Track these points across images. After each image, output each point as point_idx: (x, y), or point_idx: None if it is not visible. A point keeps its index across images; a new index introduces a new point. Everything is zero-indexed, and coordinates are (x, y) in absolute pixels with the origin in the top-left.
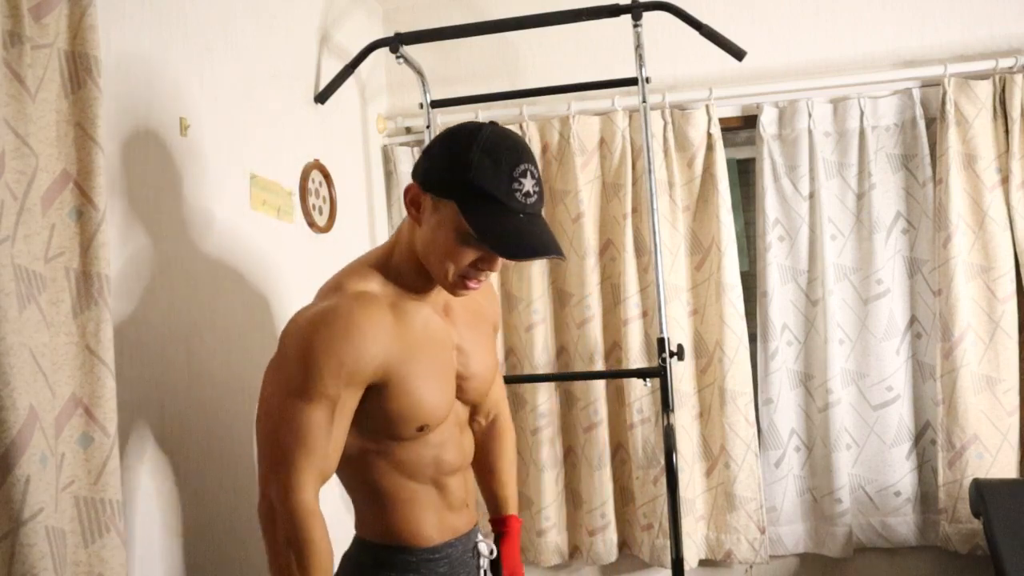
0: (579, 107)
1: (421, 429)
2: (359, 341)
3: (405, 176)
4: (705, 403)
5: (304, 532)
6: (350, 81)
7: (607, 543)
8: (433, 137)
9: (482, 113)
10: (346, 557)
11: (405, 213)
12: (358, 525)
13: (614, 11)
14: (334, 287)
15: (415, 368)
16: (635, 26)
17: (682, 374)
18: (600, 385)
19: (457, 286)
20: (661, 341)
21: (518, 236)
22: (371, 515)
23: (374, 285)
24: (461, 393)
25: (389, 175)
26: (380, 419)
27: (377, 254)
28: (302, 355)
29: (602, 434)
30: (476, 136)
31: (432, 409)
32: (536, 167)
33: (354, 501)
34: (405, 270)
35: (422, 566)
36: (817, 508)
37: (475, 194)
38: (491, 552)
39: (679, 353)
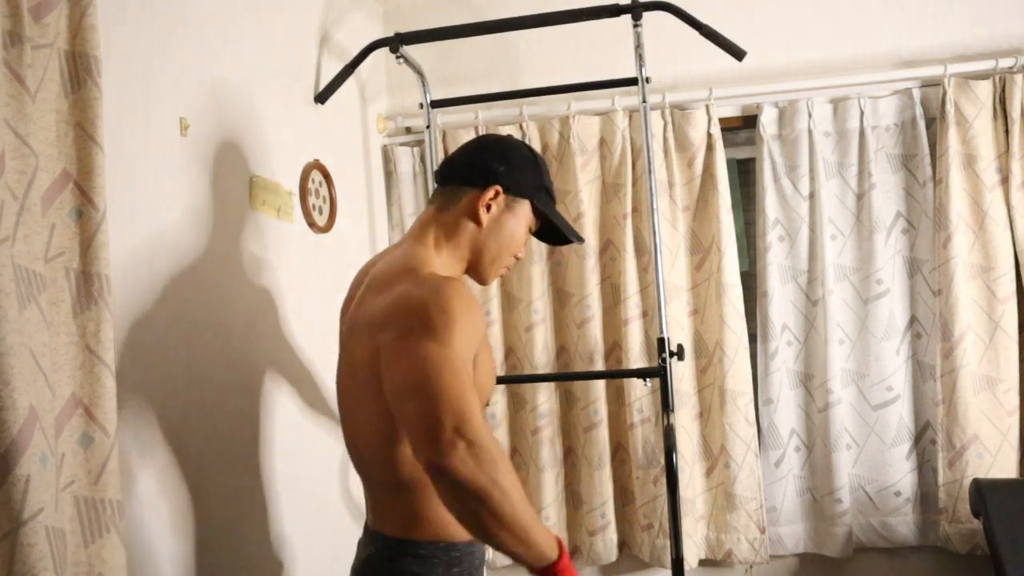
0: (579, 107)
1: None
2: (479, 318)
3: (405, 176)
4: (705, 403)
5: (509, 464)
6: (350, 81)
7: (607, 543)
8: (481, 145)
9: (482, 113)
10: (386, 559)
11: (406, 213)
12: (401, 522)
13: (614, 11)
14: (411, 269)
15: (483, 348)
16: (635, 26)
17: (682, 374)
18: (600, 385)
19: (498, 275)
20: (661, 341)
21: (570, 225)
22: (424, 510)
23: (446, 273)
24: None
25: (389, 175)
26: None
27: (427, 248)
28: (450, 320)
29: (602, 434)
30: (528, 145)
31: (492, 388)
32: None
33: (400, 495)
34: (452, 263)
35: (464, 559)
36: (817, 508)
37: (546, 193)
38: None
39: (679, 353)
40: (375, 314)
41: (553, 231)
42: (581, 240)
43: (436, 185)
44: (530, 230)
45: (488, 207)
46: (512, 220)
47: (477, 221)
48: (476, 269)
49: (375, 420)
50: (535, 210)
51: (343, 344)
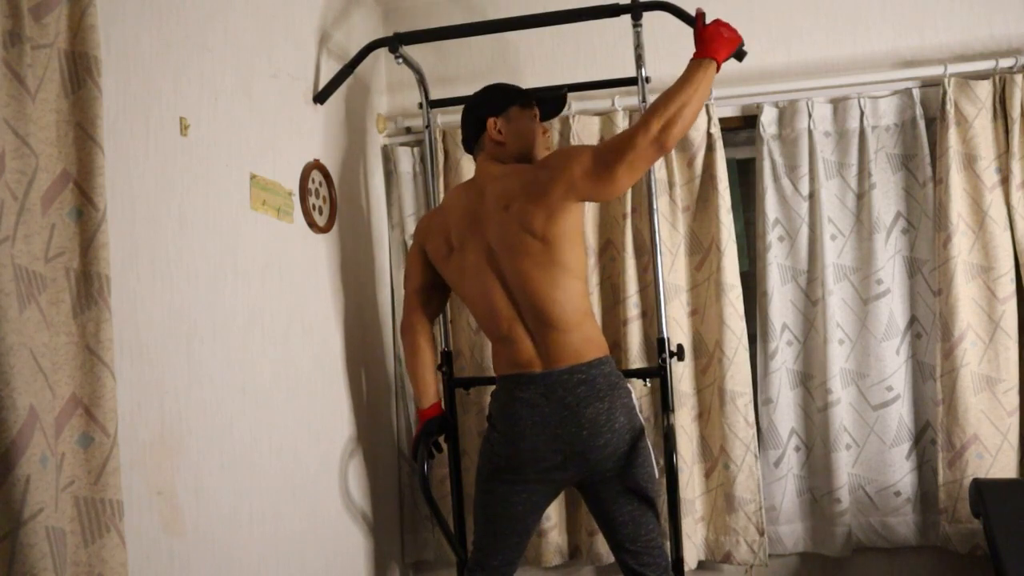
0: (579, 107)
1: None
2: None
3: (405, 176)
4: (705, 403)
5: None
6: (350, 81)
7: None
8: (465, 114)
9: None
10: (609, 375)
11: (406, 213)
12: (594, 346)
13: (614, 11)
14: (528, 167)
15: None
16: (635, 26)
17: (681, 374)
18: None
19: (545, 150)
20: (661, 341)
21: (549, 91)
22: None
23: None
24: None
25: (389, 175)
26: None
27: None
28: None
29: None
30: (486, 87)
31: None
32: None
33: (582, 330)
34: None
35: None
36: (817, 508)
37: (518, 96)
38: None
39: (679, 353)
40: (534, 181)
41: (548, 105)
42: (563, 92)
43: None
44: (535, 117)
45: (500, 131)
46: (515, 125)
47: (501, 143)
48: (529, 159)
49: (557, 272)
50: (523, 107)
51: (503, 238)
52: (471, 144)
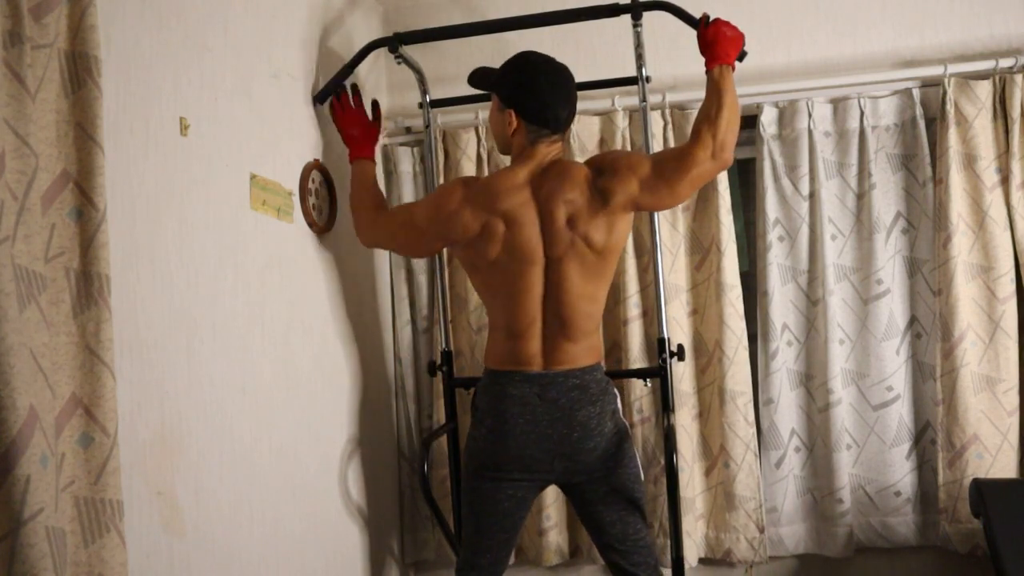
0: (579, 107)
1: None
2: None
3: (405, 176)
4: (705, 403)
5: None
6: (350, 81)
7: None
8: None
9: (482, 113)
10: (601, 381)
11: None
12: (596, 352)
13: (614, 11)
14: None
15: None
16: (635, 26)
17: (682, 374)
18: None
19: None
20: (661, 341)
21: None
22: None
23: None
24: None
25: (389, 175)
26: None
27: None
28: None
29: None
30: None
31: None
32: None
33: (595, 336)
34: None
35: None
36: (818, 508)
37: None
38: None
39: (679, 353)
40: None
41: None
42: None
43: (550, 130)
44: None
45: None
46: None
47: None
48: None
49: (599, 284)
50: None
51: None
52: (560, 127)
